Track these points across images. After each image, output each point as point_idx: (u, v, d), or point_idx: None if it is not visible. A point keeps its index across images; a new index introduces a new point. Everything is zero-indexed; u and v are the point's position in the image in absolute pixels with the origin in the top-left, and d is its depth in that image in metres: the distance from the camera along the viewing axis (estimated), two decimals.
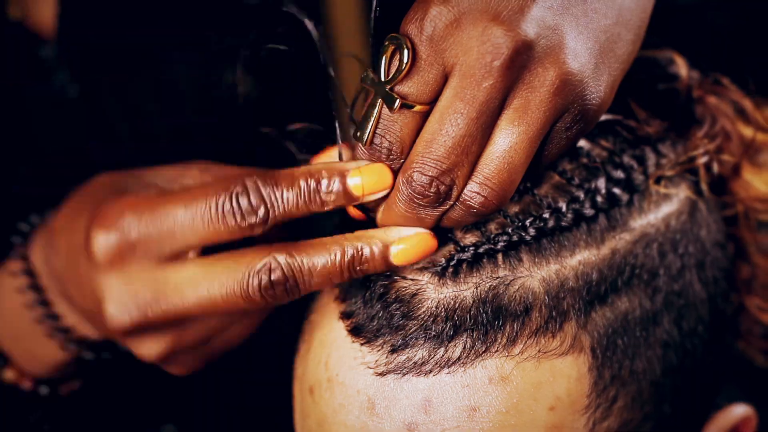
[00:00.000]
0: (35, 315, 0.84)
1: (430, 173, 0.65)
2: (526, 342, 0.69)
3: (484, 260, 0.69)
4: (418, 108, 0.66)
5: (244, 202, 0.69)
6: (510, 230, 0.70)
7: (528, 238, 0.69)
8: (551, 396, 0.69)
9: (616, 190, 0.71)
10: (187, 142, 1.06)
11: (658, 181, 0.73)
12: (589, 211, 0.70)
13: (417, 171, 0.65)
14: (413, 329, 0.69)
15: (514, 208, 0.70)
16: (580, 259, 0.70)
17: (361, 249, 0.69)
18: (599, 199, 0.71)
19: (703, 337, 0.74)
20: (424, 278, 0.70)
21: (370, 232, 0.70)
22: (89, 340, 0.85)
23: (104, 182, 0.77)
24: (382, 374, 0.69)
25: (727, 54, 1.03)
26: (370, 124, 0.67)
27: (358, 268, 0.69)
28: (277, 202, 0.69)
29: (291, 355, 0.77)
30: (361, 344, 0.70)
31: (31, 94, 1.03)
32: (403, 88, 0.65)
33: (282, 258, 0.69)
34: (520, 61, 0.64)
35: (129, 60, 1.07)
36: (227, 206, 0.69)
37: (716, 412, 0.78)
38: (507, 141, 0.65)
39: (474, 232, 0.70)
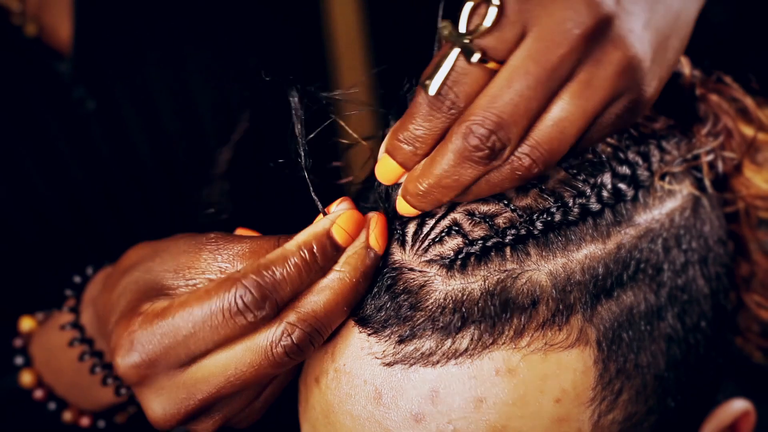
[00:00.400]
0: (87, 365, 0.87)
1: (490, 127, 0.65)
2: (533, 335, 0.69)
3: (492, 253, 0.70)
4: (491, 65, 0.66)
5: (248, 300, 0.68)
6: (518, 224, 0.70)
7: (536, 232, 0.70)
8: (557, 388, 0.69)
9: (622, 186, 0.72)
10: (204, 150, 1.07)
11: (662, 177, 0.74)
12: (595, 206, 0.71)
13: (478, 123, 0.65)
14: (421, 320, 0.70)
15: (522, 202, 0.71)
16: (586, 253, 0.71)
17: (357, 278, 0.70)
18: (605, 194, 0.72)
19: (705, 332, 0.75)
20: (432, 270, 0.70)
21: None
22: None
23: (130, 261, 0.76)
24: (389, 364, 0.70)
25: (726, 51, 1.04)
26: (441, 74, 0.66)
27: (357, 293, 0.70)
28: (280, 288, 0.69)
29: None
30: (368, 335, 0.71)
31: (50, 108, 1.04)
32: (483, 42, 0.65)
33: (293, 317, 0.69)
34: (597, 35, 0.65)
35: (144, 73, 1.08)
36: (234, 311, 0.69)
37: (716, 407, 0.79)
38: (565, 111, 0.66)
39: (482, 226, 0.70)
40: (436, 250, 0.71)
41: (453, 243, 0.70)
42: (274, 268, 0.69)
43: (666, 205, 0.74)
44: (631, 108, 0.68)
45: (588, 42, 0.65)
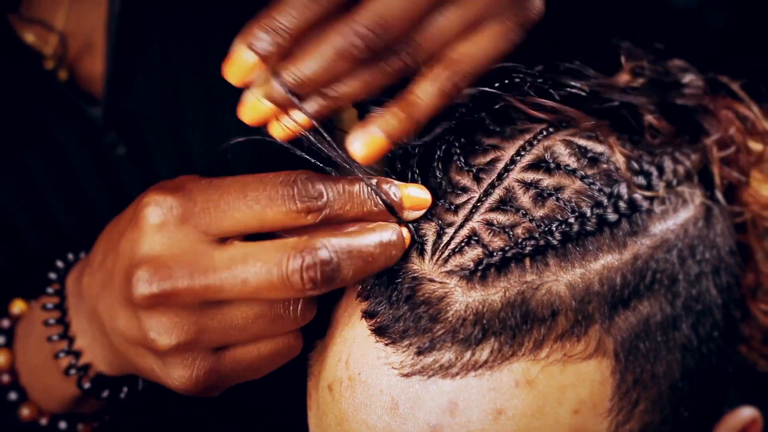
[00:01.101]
0: (55, 348, 0.83)
1: (377, 31, 0.66)
2: (552, 346, 0.69)
3: (512, 264, 0.70)
4: None
5: (304, 187, 0.68)
6: (537, 235, 0.70)
7: (554, 242, 0.70)
8: (575, 399, 0.70)
9: (637, 196, 0.73)
10: None
11: (675, 187, 0.75)
12: (612, 216, 0.71)
13: (364, 25, 0.66)
14: (441, 332, 0.69)
15: (539, 212, 0.71)
16: (603, 263, 0.71)
17: (394, 238, 0.70)
18: (621, 204, 0.72)
19: (718, 342, 0.76)
20: (452, 281, 0.70)
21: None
22: (106, 377, 0.83)
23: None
24: (407, 375, 0.70)
25: (725, 57, 1.05)
26: None
27: (390, 255, 0.70)
28: (336, 196, 0.69)
29: (304, 351, 0.76)
30: (386, 344, 0.70)
31: (81, 152, 1.01)
32: None
33: (323, 239, 0.68)
34: None
35: (177, 119, 1.05)
36: (288, 189, 0.68)
37: (724, 414, 0.80)
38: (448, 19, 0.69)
39: (501, 236, 0.70)
40: (456, 261, 0.70)
41: (473, 254, 0.70)
42: (338, 178, 0.69)
43: (680, 216, 0.74)
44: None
45: None
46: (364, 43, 0.66)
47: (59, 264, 0.86)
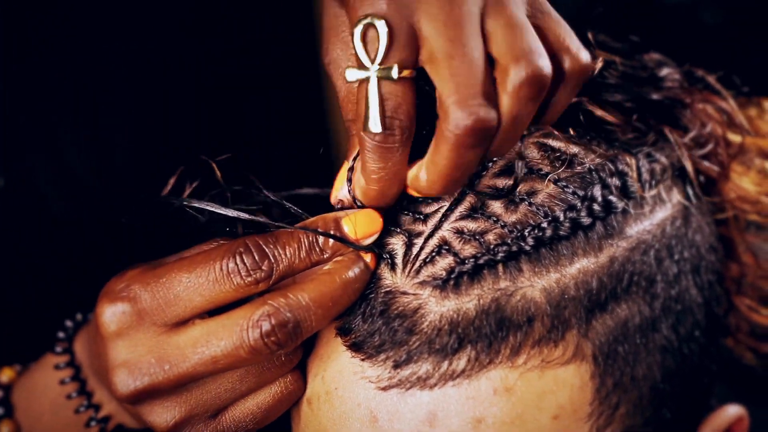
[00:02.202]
0: (75, 405, 0.84)
1: (472, 103, 0.64)
2: (529, 352, 0.69)
3: (485, 271, 0.69)
4: (407, 73, 0.65)
5: (248, 259, 0.69)
6: (509, 240, 0.70)
7: (527, 248, 0.69)
8: (555, 405, 0.69)
9: (612, 198, 0.72)
10: (126, 208, 1.06)
11: (652, 186, 0.74)
12: (586, 220, 0.71)
13: (460, 108, 0.64)
14: (417, 344, 0.69)
15: (511, 218, 0.70)
16: (579, 267, 0.70)
17: (352, 272, 0.70)
18: (596, 207, 0.71)
19: (699, 341, 0.75)
20: (426, 292, 0.69)
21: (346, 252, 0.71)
22: (125, 428, 0.85)
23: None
24: (384, 389, 0.69)
25: (717, 52, 1.04)
26: (376, 109, 0.65)
27: (352, 291, 0.70)
28: (280, 256, 0.69)
29: None
30: (362, 359, 0.70)
31: None
32: (394, 58, 0.65)
33: (278, 301, 0.68)
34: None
35: (55, 141, 1.05)
36: (231, 265, 0.69)
37: (710, 412, 0.79)
38: (503, 31, 0.65)
39: (472, 243, 0.70)
40: (428, 271, 0.70)
41: (444, 263, 0.70)
42: (276, 236, 0.69)
43: (657, 216, 0.74)
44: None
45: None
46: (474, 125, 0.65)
47: (61, 335, 0.87)
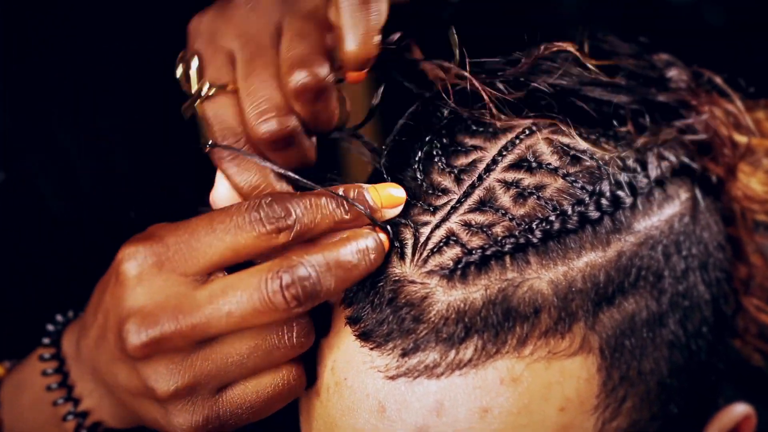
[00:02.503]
0: (54, 397, 0.83)
1: (270, 121, 0.73)
2: (536, 343, 0.69)
3: (492, 262, 0.70)
4: (230, 87, 0.74)
5: (270, 209, 0.69)
6: (516, 233, 0.70)
7: (535, 240, 0.70)
8: (561, 396, 0.69)
9: (620, 193, 0.72)
10: (124, 207, 1.06)
11: (660, 183, 0.75)
12: (594, 214, 0.71)
13: (262, 125, 0.73)
14: (424, 332, 0.69)
15: (519, 211, 0.71)
16: (586, 261, 0.71)
17: (372, 241, 0.70)
18: (604, 201, 0.72)
19: (707, 337, 0.75)
20: (433, 281, 0.70)
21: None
22: (104, 427, 0.83)
23: None
24: (392, 378, 0.70)
25: (722, 53, 1.04)
26: (208, 130, 0.75)
27: (370, 260, 0.70)
28: (303, 211, 0.70)
29: None
30: (371, 348, 0.70)
31: None
32: (208, 80, 0.75)
33: (300, 255, 0.68)
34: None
35: (54, 137, 1.06)
36: (254, 213, 0.69)
37: (717, 411, 0.79)
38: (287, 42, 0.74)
39: (480, 235, 0.70)
40: (435, 261, 0.70)
41: (452, 253, 0.70)
42: (301, 195, 0.71)
43: (665, 212, 0.74)
44: None
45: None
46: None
47: (50, 327, 0.86)
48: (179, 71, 0.76)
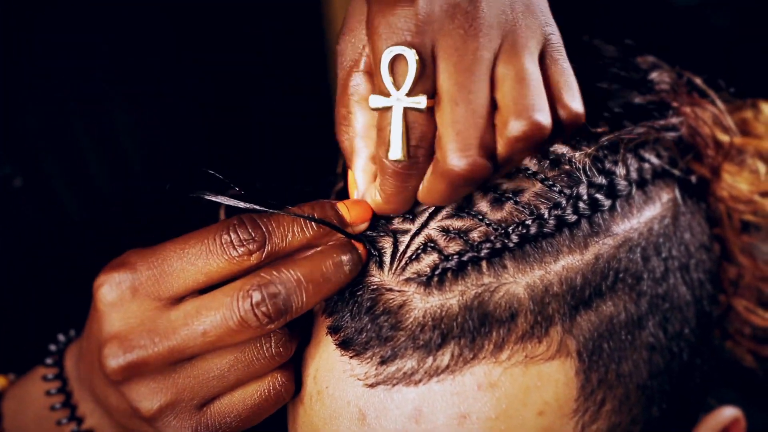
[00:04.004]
0: (58, 416, 0.84)
1: (472, 158, 0.66)
2: (513, 348, 0.69)
3: (469, 268, 0.70)
4: (431, 102, 0.67)
5: (241, 231, 0.70)
6: (493, 237, 0.70)
7: (511, 244, 0.70)
8: (540, 401, 0.69)
9: (599, 196, 0.72)
10: (142, 212, 1.07)
11: (640, 185, 0.74)
12: (571, 217, 0.71)
13: (462, 159, 0.66)
14: (402, 340, 0.70)
15: (496, 216, 0.71)
16: (563, 264, 0.71)
17: (343, 253, 0.71)
18: (581, 204, 0.72)
19: (689, 339, 0.75)
20: (411, 289, 0.70)
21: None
22: None
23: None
24: (372, 386, 0.70)
25: (726, 55, 1.04)
26: (400, 138, 0.67)
27: (344, 272, 0.71)
28: (274, 230, 0.70)
29: None
30: (350, 357, 0.71)
31: None
32: (419, 89, 0.67)
33: (270, 273, 0.69)
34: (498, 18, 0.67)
35: (70, 144, 1.07)
36: (225, 237, 0.70)
37: (705, 414, 0.79)
38: (511, 74, 0.67)
39: (457, 241, 0.71)
40: (413, 268, 0.71)
41: (429, 260, 0.71)
42: (271, 215, 0.71)
43: (644, 214, 0.74)
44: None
45: (493, 28, 0.67)
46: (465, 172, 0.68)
47: (52, 347, 0.87)
48: (387, 59, 0.67)
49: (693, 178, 0.77)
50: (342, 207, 0.72)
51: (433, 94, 0.67)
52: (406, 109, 0.67)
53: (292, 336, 0.73)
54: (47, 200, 1.06)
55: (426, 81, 0.67)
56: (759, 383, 0.91)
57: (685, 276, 0.75)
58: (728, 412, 0.78)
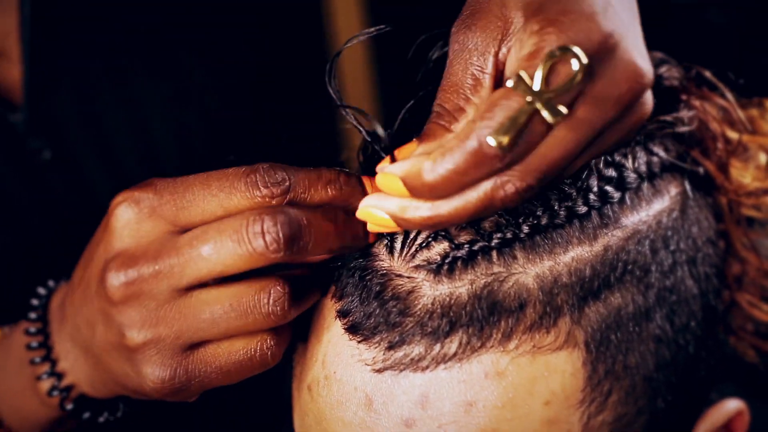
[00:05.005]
0: (37, 371, 0.84)
1: (531, 182, 0.64)
2: (521, 337, 0.70)
3: (479, 257, 0.70)
4: (561, 118, 0.64)
5: (267, 174, 0.69)
6: (504, 228, 0.71)
7: (522, 235, 0.70)
8: (546, 391, 0.70)
9: (608, 188, 0.73)
10: None
11: (649, 178, 0.75)
12: (581, 209, 0.72)
13: (518, 178, 0.64)
14: (410, 326, 0.70)
15: None
16: (573, 255, 0.71)
17: (354, 218, 0.70)
18: (591, 196, 0.72)
19: (695, 332, 0.75)
20: (420, 275, 0.71)
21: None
22: (88, 399, 0.84)
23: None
24: (379, 371, 0.70)
25: (726, 52, 1.04)
26: (514, 130, 0.62)
27: (349, 236, 0.71)
28: (299, 181, 0.70)
29: (289, 353, 0.77)
30: (358, 342, 0.71)
31: (4, 159, 1.03)
32: (563, 99, 0.63)
33: (285, 209, 0.69)
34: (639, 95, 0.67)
35: (101, 116, 1.08)
36: (251, 177, 0.69)
37: (709, 407, 0.79)
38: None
39: (468, 230, 0.71)
40: (423, 256, 0.71)
41: (440, 247, 0.71)
42: (299, 167, 0.70)
43: (653, 207, 0.74)
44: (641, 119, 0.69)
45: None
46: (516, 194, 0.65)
47: (41, 291, 0.87)
48: (554, 54, 0.63)
49: (701, 170, 0.78)
50: (366, 180, 0.71)
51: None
52: (536, 110, 0.63)
53: (293, 304, 0.72)
54: (75, 174, 1.06)
55: (573, 93, 0.63)
56: (761, 378, 0.92)
57: (692, 269, 0.75)
58: (732, 405, 0.79)
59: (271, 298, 0.71)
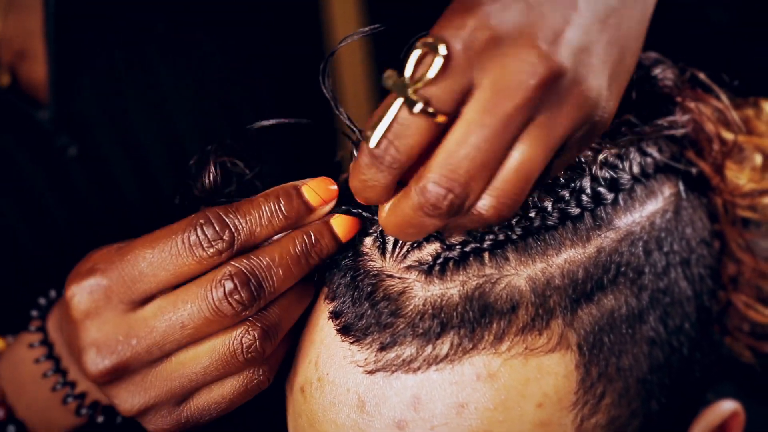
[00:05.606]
0: (51, 383, 0.85)
1: (446, 185, 0.62)
2: (513, 339, 0.69)
3: (471, 259, 0.70)
4: (440, 118, 0.62)
5: (208, 230, 0.70)
6: (496, 229, 0.70)
7: (514, 237, 0.70)
8: (539, 393, 0.70)
9: (602, 189, 0.72)
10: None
11: (643, 179, 0.74)
12: (574, 210, 0.71)
13: (434, 182, 0.62)
14: (401, 327, 0.70)
15: None
16: (566, 257, 0.71)
17: (311, 235, 0.71)
18: (584, 198, 0.72)
19: (689, 334, 0.75)
20: (412, 276, 0.70)
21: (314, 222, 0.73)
22: (102, 404, 0.86)
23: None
24: (371, 372, 0.70)
25: (725, 50, 1.04)
26: (383, 126, 0.62)
27: (313, 253, 0.71)
28: (241, 225, 0.71)
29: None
30: (351, 343, 0.71)
31: (31, 157, 1.04)
32: (427, 92, 0.62)
33: (240, 262, 0.70)
34: (552, 83, 0.62)
35: (126, 113, 1.09)
36: (192, 237, 0.70)
37: (705, 408, 0.79)
38: (526, 155, 0.63)
39: None
40: (414, 256, 0.71)
41: (431, 248, 0.71)
42: (237, 206, 0.71)
43: (647, 208, 0.74)
44: (591, 133, 0.66)
45: (542, 91, 0.62)
46: (438, 201, 0.63)
47: (42, 301, 0.88)
48: (415, 55, 0.62)
49: (693, 171, 0.77)
50: (307, 190, 0.72)
51: (449, 113, 0.62)
52: (404, 102, 0.62)
53: (266, 342, 0.72)
54: (101, 170, 1.08)
55: (440, 89, 0.62)
56: (757, 379, 0.92)
57: (686, 271, 0.75)
58: (727, 406, 0.79)
59: (244, 346, 0.72)
